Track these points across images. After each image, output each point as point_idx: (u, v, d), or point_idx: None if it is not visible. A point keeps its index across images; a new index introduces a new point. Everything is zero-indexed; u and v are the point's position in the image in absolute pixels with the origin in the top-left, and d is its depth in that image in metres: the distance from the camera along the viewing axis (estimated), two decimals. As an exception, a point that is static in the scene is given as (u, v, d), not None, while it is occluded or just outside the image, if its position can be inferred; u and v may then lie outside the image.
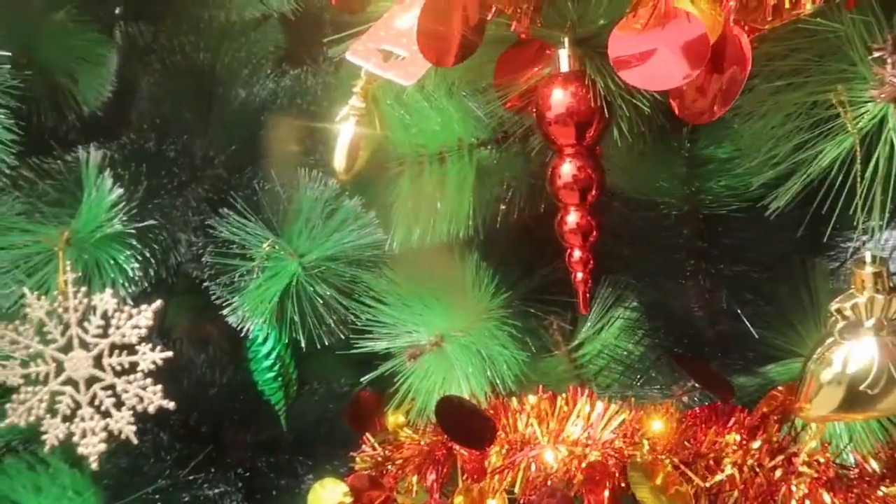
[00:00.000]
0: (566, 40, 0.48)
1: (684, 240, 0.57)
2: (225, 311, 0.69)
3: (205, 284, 0.72)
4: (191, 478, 0.74)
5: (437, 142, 0.65)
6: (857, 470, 0.51)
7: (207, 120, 0.81)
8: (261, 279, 0.68)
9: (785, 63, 0.41)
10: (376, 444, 0.70)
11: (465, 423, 0.56)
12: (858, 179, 0.40)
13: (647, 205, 0.57)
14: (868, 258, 0.42)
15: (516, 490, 0.56)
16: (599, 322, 0.67)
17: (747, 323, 0.57)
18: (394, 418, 0.71)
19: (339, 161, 0.64)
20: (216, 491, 0.75)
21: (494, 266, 0.65)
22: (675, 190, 0.56)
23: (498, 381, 0.63)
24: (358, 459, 0.70)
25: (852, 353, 0.43)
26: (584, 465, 0.52)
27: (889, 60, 0.39)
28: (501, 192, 0.66)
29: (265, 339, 0.72)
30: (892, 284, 0.43)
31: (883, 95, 0.39)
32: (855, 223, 0.42)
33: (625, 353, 0.64)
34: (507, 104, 0.53)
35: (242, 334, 0.71)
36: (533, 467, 0.56)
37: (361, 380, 0.67)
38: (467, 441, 0.56)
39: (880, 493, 0.49)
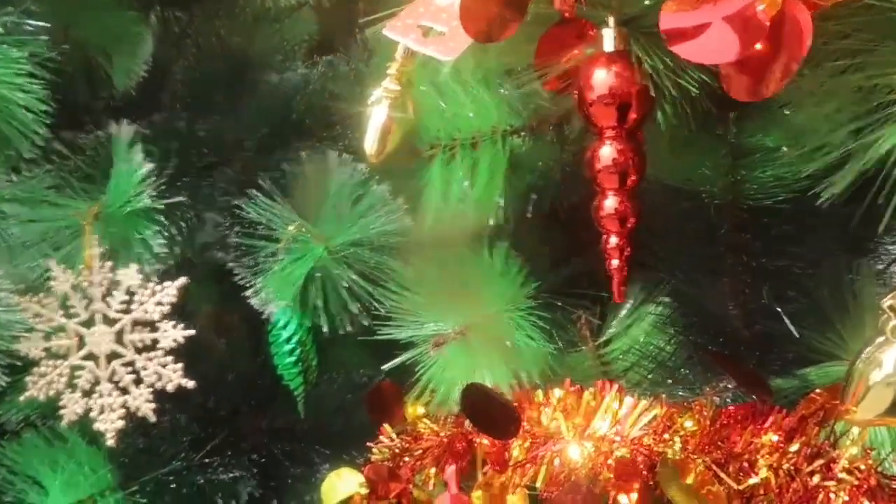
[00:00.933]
0: (611, 19, 0.47)
1: (724, 232, 0.55)
2: (248, 293, 0.69)
3: (229, 266, 0.71)
4: (206, 461, 0.73)
5: (470, 128, 0.64)
6: (899, 479, 0.49)
7: (239, 103, 0.81)
8: (286, 262, 0.68)
9: (844, 44, 0.39)
10: (394, 435, 0.69)
11: (489, 412, 0.54)
12: None
13: (688, 194, 0.55)
14: (924, 253, 0.40)
15: (538, 485, 0.54)
16: (630, 318, 0.65)
17: (788, 322, 0.55)
18: (413, 409, 0.70)
19: (370, 144, 0.63)
20: (231, 475, 0.74)
21: (524, 256, 0.64)
22: (717, 179, 0.54)
23: (522, 374, 0.61)
24: (375, 450, 0.69)
25: (904, 353, 0.41)
26: (611, 461, 0.50)
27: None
28: (533, 181, 0.65)
29: (287, 324, 0.71)
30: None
31: (947, 79, 0.37)
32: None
33: (656, 350, 0.62)
34: (547, 85, 0.52)
35: (264, 318, 0.71)
36: (557, 462, 0.54)
37: (382, 368, 0.66)
38: (491, 430, 0.55)
39: (926, 504, 0.47)
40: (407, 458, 0.66)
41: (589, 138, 0.49)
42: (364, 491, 0.70)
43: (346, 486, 0.72)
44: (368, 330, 0.67)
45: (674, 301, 0.62)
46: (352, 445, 0.77)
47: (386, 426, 0.69)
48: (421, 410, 0.69)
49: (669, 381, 0.61)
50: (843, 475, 0.48)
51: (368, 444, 0.69)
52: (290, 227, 0.68)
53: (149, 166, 0.64)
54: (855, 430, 0.50)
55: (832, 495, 0.47)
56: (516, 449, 0.57)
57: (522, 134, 0.64)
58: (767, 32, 0.36)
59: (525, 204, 0.64)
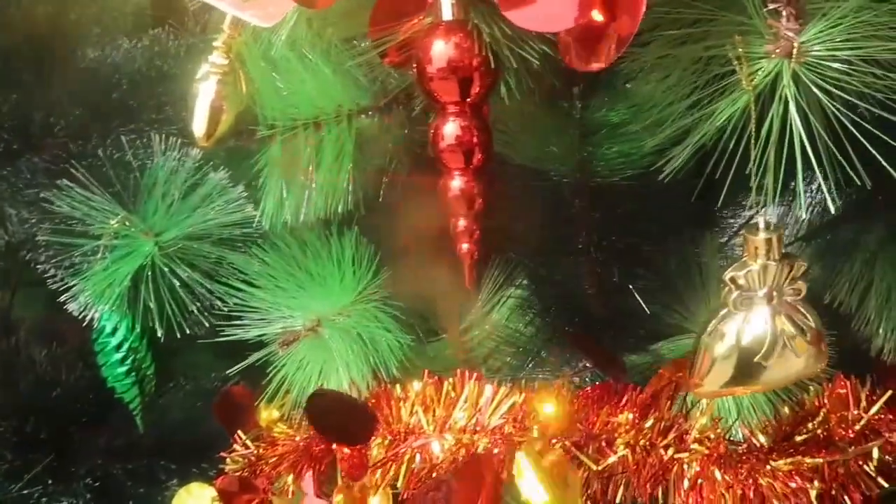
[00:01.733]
0: (450, -15, 0.44)
1: (575, 211, 0.54)
2: (65, 298, 0.61)
3: (44, 268, 0.63)
4: (26, 492, 0.64)
5: (312, 107, 0.59)
6: (745, 445, 0.50)
7: (48, 82, 0.71)
8: (108, 260, 0.60)
9: (684, 13, 0.38)
10: (248, 443, 0.64)
11: (340, 418, 0.51)
12: (752, 139, 0.38)
13: (537, 174, 0.54)
14: (761, 224, 0.40)
15: (399, 484, 0.52)
16: (489, 303, 0.63)
17: (639, 299, 0.55)
18: (267, 413, 0.65)
19: (199, 125, 0.56)
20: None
21: (376, 243, 0.60)
22: (565, 157, 0.53)
23: (381, 368, 0.58)
24: (228, 460, 0.64)
25: (745, 324, 0.41)
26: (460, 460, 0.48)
27: (784, 13, 0.37)
28: (384, 163, 0.61)
29: (115, 330, 0.64)
30: (784, 251, 0.41)
31: (778, 50, 0.37)
32: (749, 188, 0.40)
33: (516, 334, 0.60)
34: (384, 59, 0.48)
35: (87, 325, 0.63)
36: (418, 458, 0.51)
37: (228, 372, 0.60)
38: (344, 438, 0.51)
39: (769, 468, 0.48)
40: (264, 467, 0.62)
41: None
42: (218, 506, 0.64)
43: (198, 503, 0.66)
44: (213, 330, 0.62)
45: (531, 283, 0.61)
46: (202, 457, 0.71)
47: (239, 434, 0.64)
48: (276, 414, 0.65)
49: (530, 364, 0.60)
50: (694, 446, 0.49)
51: (221, 454, 0.64)
52: (113, 222, 0.61)
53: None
54: (704, 402, 0.51)
55: (685, 466, 0.48)
56: (376, 448, 0.54)
57: (371, 113, 0.60)
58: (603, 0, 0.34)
59: (376, 187, 0.61)
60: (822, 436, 0.50)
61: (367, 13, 0.48)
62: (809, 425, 0.50)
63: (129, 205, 0.62)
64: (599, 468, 0.48)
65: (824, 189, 0.38)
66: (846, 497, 0.49)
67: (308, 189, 0.59)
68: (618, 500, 0.48)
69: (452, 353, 0.64)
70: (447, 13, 0.44)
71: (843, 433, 0.50)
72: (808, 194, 0.57)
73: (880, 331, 0.56)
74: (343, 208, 0.60)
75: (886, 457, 0.51)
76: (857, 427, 0.51)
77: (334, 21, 0.53)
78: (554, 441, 0.48)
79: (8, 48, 0.72)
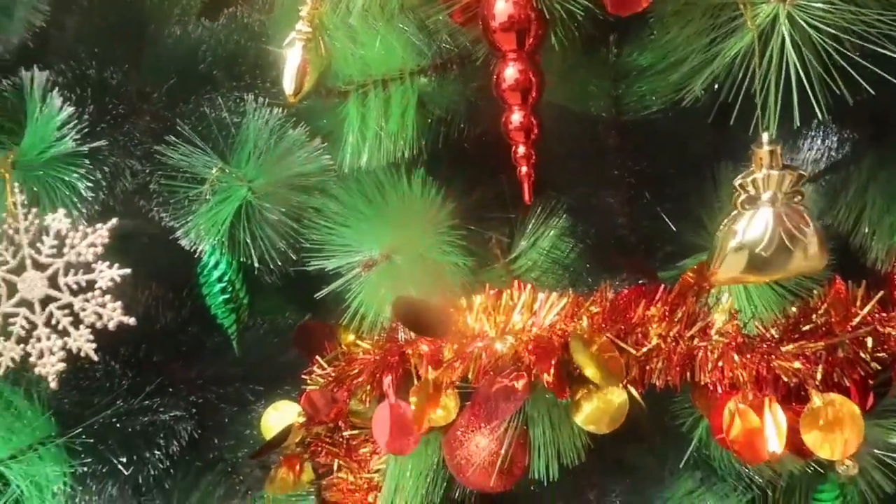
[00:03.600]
0: (506, -46, 0.53)
1: (610, 145, 0.64)
2: (178, 234, 0.71)
3: (154, 214, 0.73)
4: (145, 404, 0.75)
5: (380, 68, 0.68)
6: (759, 337, 0.59)
7: (141, 56, 0.81)
8: (211, 203, 0.70)
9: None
10: (325, 365, 0.73)
11: (422, 318, 0.61)
12: (757, 69, 0.47)
13: (577, 113, 0.63)
14: (765, 139, 0.50)
15: (470, 377, 0.61)
16: (534, 234, 0.72)
17: (668, 221, 0.64)
18: (346, 336, 0.75)
19: (288, 84, 0.66)
20: (170, 416, 0.76)
21: (439, 183, 0.70)
22: (601, 97, 0.62)
23: (447, 288, 0.67)
24: (309, 380, 0.73)
25: (751, 222, 0.50)
26: (530, 346, 0.57)
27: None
28: (443, 116, 0.70)
29: (217, 264, 0.74)
30: (784, 162, 0.50)
31: (774, -7, 0.46)
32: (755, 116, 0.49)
33: (561, 258, 0.70)
34: (453, 16, 0.57)
35: (194, 260, 0.73)
36: (484, 356, 0.61)
37: (315, 296, 0.70)
38: (428, 332, 0.61)
39: (778, 352, 0.58)
40: (342, 382, 0.71)
41: (488, 74, 0.56)
42: (301, 419, 0.74)
43: (284, 418, 0.76)
44: (299, 265, 0.71)
45: (571, 214, 0.70)
46: (285, 382, 0.81)
47: (317, 358, 0.74)
48: (352, 338, 0.74)
49: (574, 283, 0.69)
50: (716, 337, 0.58)
51: (302, 375, 0.74)
52: (214, 170, 0.71)
53: (69, 110, 0.64)
54: (724, 299, 0.60)
55: (709, 353, 0.58)
56: (447, 351, 0.63)
57: (429, 73, 0.70)
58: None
59: (436, 136, 0.70)
60: (823, 328, 0.59)
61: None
62: (812, 317, 0.59)
63: (226, 156, 0.72)
64: (638, 354, 0.57)
65: (819, 114, 0.46)
66: (845, 378, 0.59)
67: (379, 138, 0.69)
68: (653, 381, 0.58)
69: (505, 278, 0.73)
70: (505, -23, 0.53)
71: (843, 327, 0.60)
72: (809, 132, 0.66)
73: (873, 245, 0.65)
74: (409, 153, 0.69)
75: (880, 348, 0.60)
76: (855, 321, 0.60)
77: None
78: (601, 333, 0.57)
79: (102, 28, 0.82)
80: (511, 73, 0.54)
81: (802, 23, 0.46)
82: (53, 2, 0.80)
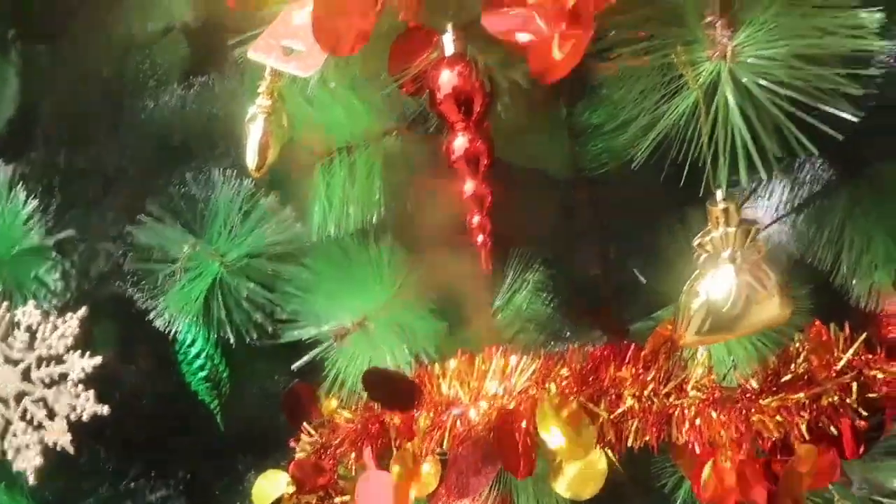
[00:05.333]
0: (450, 26, 0.53)
1: (574, 202, 0.63)
2: (152, 316, 0.71)
3: (129, 294, 0.73)
4: (131, 486, 0.74)
5: (343, 134, 0.69)
6: (739, 389, 0.58)
7: (117, 132, 0.82)
8: (184, 280, 0.70)
9: (638, 30, 0.47)
10: (312, 431, 0.73)
11: (390, 390, 0.60)
12: (704, 129, 0.46)
13: (538, 173, 0.63)
14: (719, 196, 0.49)
15: (445, 446, 0.60)
16: (512, 288, 0.72)
17: (637, 274, 0.63)
18: (328, 403, 0.74)
19: (251, 158, 0.67)
20: (159, 496, 0.76)
21: (408, 246, 0.69)
22: (558, 156, 0.61)
23: (421, 352, 0.67)
24: (297, 448, 0.73)
25: (713, 282, 0.49)
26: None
27: (718, 24, 0.46)
28: (409, 176, 0.70)
29: (194, 341, 0.74)
30: (741, 218, 0.49)
31: (716, 54, 0.46)
32: (706, 171, 0.48)
33: (536, 313, 0.69)
34: (402, 89, 0.57)
35: (171, 338, 0.73)
36: (458, 424, 0.60)
37: (293, 367, 0.70)
38: (395, 405, 0.60)
39: (759, 405, 0.56)
40: (328, 450, 0.71)
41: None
42: (291, 489, 0.74)
43: (274, 488, 0.75)
44: (275, 337, 0.71)
45: (546, 268, 0.69)
46: (275, 449, 0.81)
47: (305, 424, 0.73)
48: (335, 403, 0.74)
49: (551, 340, 0.68)
50: (692, 392, 0.57)
51: (290, 443, 0.73)
52: (186, 248, 0.71)
53: (33, 204, 0.65)
54: (700, 354, 0.59)
55: (686, 410, 0.56)
56: (423, 419, 0.63)
57: (394, 134, 0.70)
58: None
59: (404, 197, 0.70)
60: (805, 376, 0.57)
61: (383, 53, 0.58)
62: (793, 365, 0.57)
63: (197, 232, 0.72)
64: (611, 417, 0.56)
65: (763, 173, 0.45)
66: (833, 428, 0.57)
67: (345, 204, 0.69)
68: (629, 444, 0.56)
69: (484, 335, 0.72)
70: (449, 49, 0.53)
71: (826, 373, 0.58)
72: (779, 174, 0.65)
73: (854, 284, 0.63)
74: (377, 218, 0.69)
75: (868, 392, 0.58)
76: (838, 367, 0.58)
77: (356, 60, 0.63)
78: (570, 397, 0.56)
79: (79, 107, 0.84)
80: (460, 143, 0.53)
81: (743, 79, 0.45)
82: (25, 90, 0.82)
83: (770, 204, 0.65)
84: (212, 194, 0.73)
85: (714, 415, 0.55)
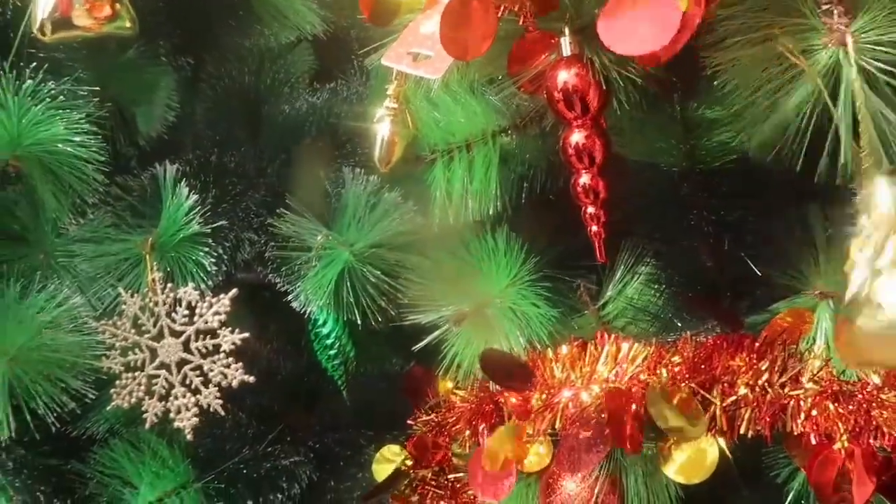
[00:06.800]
0: (566, 29, 0.56)
1: (687, 194, 0.64)
2: (289, 298, 0.79)
3: (270, 279, 0.81)
4: (268, 450, 0.83)
5: (463, 132, 0.73)
6: (859, 384, 0.57)
7: (257, 135, 0.91)
8: (318, 268, 0.77)
9: (753, 22, 0.48)
10: (430, 411, 0.78)
11: (506, 370, 0.64)
12: (836, 115, 0.46)
13: (652, 167, 0.64)
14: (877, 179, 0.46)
15: (557, 426, 0.63)
16: (622, 280, 0.74)
17: (751, 264, 0.64)
18: (444, 385, 0.79)
19: (379, 155, 0.73)
20: (291, 461, 0.84)
21: (523, 237, 0.73)
22: (673, 150, 0.63)
23: (534, 338, 0.70)
24: (415, 426, 0.78)
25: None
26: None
27: (835, 11, 0.46)
28: (524, 172, 0.74)
29: (325, 322, 0.81)
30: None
31: (833, 41, 0.46)
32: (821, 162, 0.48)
33: (648, 304, 0.71)
34: (520, 89, 0.61)
35: (305, 319, 0.81)
36: (570, 406, 0.63)
37: (413, 349, 0.75)
38: (510, 384, 0.64)
39: (880, 400, 0.55)
40: (444, 428, 0.75)
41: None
42: (409, 462, 0.79)
43: (393, 462, 0.81)
44: (398, 320, 0.76)
45: (658, 260, 0.71)
46: (394, 426, 0.86)
47: (422, 404, 0.78)
48: (451, 385, 0.78)
49: (662, 330, 0.70)
50: (809, 385, 0.57)
51: (408, 421, 0.79)
52: (319, 238, 0.78)
53: (194, 198, 0.74)
54: (817, 346, 0.59)
55: (801, 402, 0.56)
56: (536, 400, 0.66)
57: (509, 132, 0.74)
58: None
59: (519, 192, 0.74)
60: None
61: (500, 57, 0.62)
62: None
63: (329, 223, 0.79)
64: (725, 405, 0.57)
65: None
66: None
67: (464, 197, 0.73)
68: (742, 432, 0.57)
69: (594, 324, 0.75)
70: (566, 50, 0.56)
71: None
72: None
73: None
74: (494, 210, 0.73)
75: None
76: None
77: (476, 65, 0.67)
78: (682, 383, 0.58)
79: (224, 113, 0.94)
80: (576, 139, 0.57)
81: (867, 65, 0.45)
82: (183, 97, 0.92)
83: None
84: (342, 189, 0.79)
85: (832, 407, 0.55)
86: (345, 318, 0.79)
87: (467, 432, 0.73)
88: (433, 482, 0.79)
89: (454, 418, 0.74)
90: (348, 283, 0.77)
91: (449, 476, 0.78)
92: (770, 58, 0.49)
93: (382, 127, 0.73)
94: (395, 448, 0.81)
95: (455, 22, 0.54)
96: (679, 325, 0.68)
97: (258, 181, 0.87)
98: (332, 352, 0.82)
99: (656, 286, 0.71)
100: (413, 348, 0.75)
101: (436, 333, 0.73)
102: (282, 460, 0.82)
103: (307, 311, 0.79)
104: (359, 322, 0.77)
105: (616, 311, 0.74)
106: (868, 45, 0.45)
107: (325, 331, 0.81)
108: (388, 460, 0.81)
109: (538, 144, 0.73)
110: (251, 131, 0.92)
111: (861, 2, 0.46)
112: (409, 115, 0.73)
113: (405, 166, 0.75)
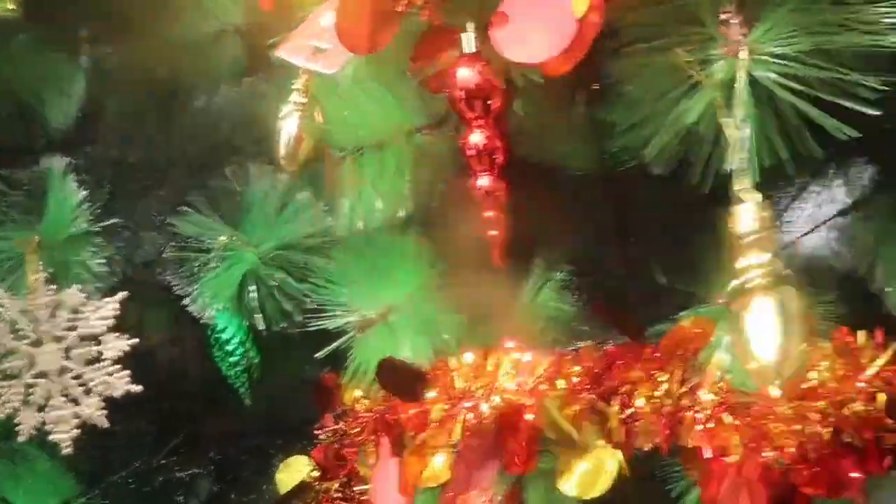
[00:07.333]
0: (470, 25, 0.54)
1: (597, 201, 0.63)
2: (187, 301, 0.75)
3: (169, 280, 0.77)
4: (164, 462, 0.78)
5: (374, 130, 0.71)
6: (757, 395, 0.56)
7: (170, 129, 0.87)
8: (220, 269, 0.74)
9: (652, 29, 0.47)
10: (335, 420, 0.75)
11: (399, 379, 0.61)
12: (726, 129, 0.46)
13: (562, 171, 0.63)
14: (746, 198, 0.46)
15: (454, 438, 0.61)
16: (536, 286, 0.72)
17: (657, 274, 0.62)
18: (349, 393, 0.76)
19: (283, 153, 0.69)
20: (189, 474, 0.79)
21: (436, 240, 0.71)
22: (580, 154, 0.62)
23: (441, 346, 0.68)
24: (321, 436, 0.75)
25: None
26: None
27: (733, 21, 0.45)
28: (438, 173, 0.71)
29: (226, 327, 0.77)
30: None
31: (731, 51, 0.45)
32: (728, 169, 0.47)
33: (559, 311, 0.69)
34: (425, 87, 0.59)
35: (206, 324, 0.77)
36: (470, 418, 0.61)
37: (316, 356, 0.72)
38: (402, 394, 0.62)
39: (777, 412, 0.54)
40: (349, 439, 0.73)
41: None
42: (315, 474, 0.76)
43: (298, 473, 0.78)
44: (304, 326, 0.73)
45: (571, 267, 0.69)
46: (302, 436, 0.83)
47: (328, 413, 0.75)
48: (358, 393, 0.76)
49: (572, 338, 0.68)
50: (707, 396, 0.56)
51: (315, 430, 0.76)
52: (222, 238, 0.75)
53: (82, 194, 0.69)
54: (717, 356, 0.58)
55: (698, 415, 0.55)
56: (436, 411, 0.64)
57: (423, 131, 0.71)
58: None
59: (432, 193, 0.71)
60: (827, 384, 0.55)
61: (406, 52, 0.59)
62: (814, 374, 0.55)
63: (235, 223, 0.76)
64: (623, 416, 0.56)
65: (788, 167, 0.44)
66: (857, 439, 0.54)
67: (374, 199, 0.71)
68: (639, 445, 0.56)
69: (508, 331, 0.73)
70: (470, 47, 0.54)
71: (851, 383, 0.56)
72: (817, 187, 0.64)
73: (888, 292, 0.61)
74: (404, 213, 0.71)
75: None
76: (865, 376, 0.56)
77: (388, 59, 0.65)
78: (581, 395, 0.56)
79: (138, 105, 0.89)
80: (476, 139, 0.54)
81: (761, 75, 0.45)
82: (89, 88, 0.87)
83: (806, 211, 0.64)
84: (249, 188, 0.76)
85: (728, 419, 0.54)
86: (248, 323, 0.76)
87: (371, 444, 0.70)
88: (339, 494, 0.76)
89: (358, 429, 0.72)
90: (252, 287, 0.74)
91: (355, 488, 0.75)
92: (672, 66, 0.48)
93: (289, 123, 0.69)
94: (302, 458, 0.78)
95: (351, 13, 0.51)
96: (588, 333, 0.66)
97: (165, 178, 0.82)
98: (233, 358, 0.78)
99: (569, 293, 0.69)
100: (315, 355, 0.72)
101: (340, 340, 0.70)
102: (177, 473, 0.78)
103: (206, 316, 0.75)
104: (262, 328, 0.74)
105: (529, 319, 0.72)
106: (764, 57, 0.44)
107: (225, 336, 0.77)
108: (293, 471, 0.78)
109: (454, 144, 0.71)
110: (163, 125, 0.87)
111: (761, 12, 0.45)
112: (318, 111, 0.70)
113: (317, 165, 0.72)
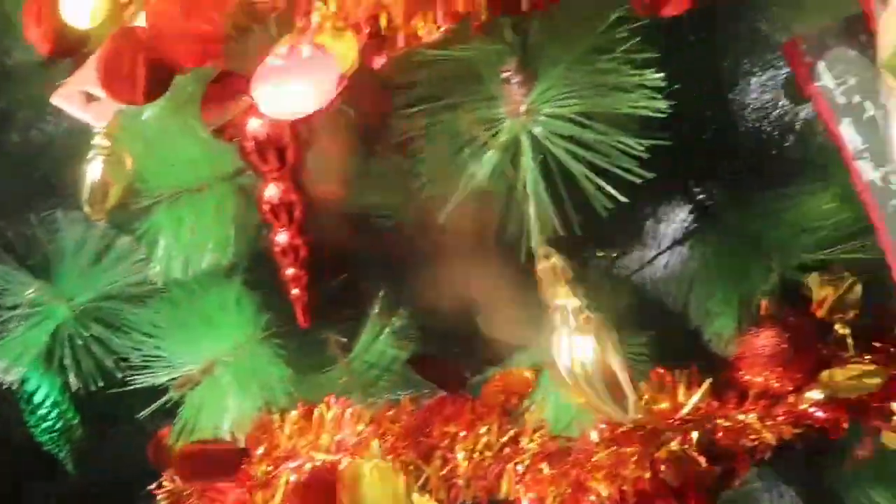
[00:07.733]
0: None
1: (414, 247, 0.61)
2: (-15, 365, 0.68)
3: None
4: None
5: (193, 172, 0.66)
6: (576, 441, 0.56)
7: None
8: (24, 327, 0.67)
9: (439, 88, 0.46)
10: (171, 480, 0.70)
11: (206, 464, 0.58)
12: (518, 186, 0.45)
13: (377, 219, 0.61)
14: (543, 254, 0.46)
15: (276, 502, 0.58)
16: (372, 332, 0.70)
17: (478, 322, 0.61)
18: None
19: (88, 199, 0.64)
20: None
21: (261, 288, 0.67)
22: (390, 202, 0.60)
23: (271, 400, 0.64)
24: (159, 497, 0.70)
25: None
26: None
27: (514, 80, 0.44)
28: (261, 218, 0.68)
29: (37, 389, 0.71)
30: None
31: (513, 111, 0.44)
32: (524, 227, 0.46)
33: (391, 360, 0.67)
34: (218, 137, 0.55)
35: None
36: (293, 478, 0.58)
37: (137, 417, 0.67)
38: (213, 477, 0.58)
39: (594, 459, 0.54)
40: (183, 499, 0.68)
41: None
42: (153, 538, 0.71)
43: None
44: (126, 384, 0.68)
45: (406, 314, 0.67)
46: (136, 497, 0.77)
47: (166, 472, 0.70)
48: (192, 450, 0.71)
49: (408, 387, 0.66)
50: (529, 445, 0.55)
51: (152, 491, 0.70)
52: (28, 292, 0.68)
53: None
54: (535, 406, 0.57)
55: (519, 466, 0.54)
56: (261, 473, 0.60)
57: (246, 174, 0.67)
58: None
59: (256, 239, 0.67)
60: (644, 425, 0.56)
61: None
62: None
63: (44, 274, 0.69)
64: (441, 474, 0.54)
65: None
66: (674, 479, 0.55)
67: (193, 245, 0.66)
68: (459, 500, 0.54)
69: (347, 380, 0.70)
70: (258, 95, 0.51)
71: (667, 422, 0.56)
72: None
73: (707, 328, 0.62)
74: (227, 260, 0.67)
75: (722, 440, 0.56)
76: (680, 414, 0.56)
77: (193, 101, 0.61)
78: (394, 455, 0.54)
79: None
80: (271, 193, 0.51)
81: (540, 136, 0.44)
82: None
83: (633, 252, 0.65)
84: (59, 235, 0.70)
85: (546, 469, 0.54)
86: (62, 382, 0.70)
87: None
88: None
89: (188, 491, 0.67)
90: (66, 342, 0.68)
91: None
92: (460, 126, 0.46)
93: (93, 167, 0.64)
94: (139, 521, 0.73)
95: (117, 58, 0.46)
96: (419, 382, 0.64)
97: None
98: (47, 422, 0.71)
99: (402, 341, 0.67)
100: (137, 416, 0.67)
101: (163, 399, 0.66)
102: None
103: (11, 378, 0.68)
104: (76, 387, 0.68)
105: (365, 366, 0.70)
106: (544, 116, 0.43)
107: (37, 398, 0.71)
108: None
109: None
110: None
111: (540, 72, 0.44)
112: (127, 155, 0.64)
113: (132, 211, 0.67)
